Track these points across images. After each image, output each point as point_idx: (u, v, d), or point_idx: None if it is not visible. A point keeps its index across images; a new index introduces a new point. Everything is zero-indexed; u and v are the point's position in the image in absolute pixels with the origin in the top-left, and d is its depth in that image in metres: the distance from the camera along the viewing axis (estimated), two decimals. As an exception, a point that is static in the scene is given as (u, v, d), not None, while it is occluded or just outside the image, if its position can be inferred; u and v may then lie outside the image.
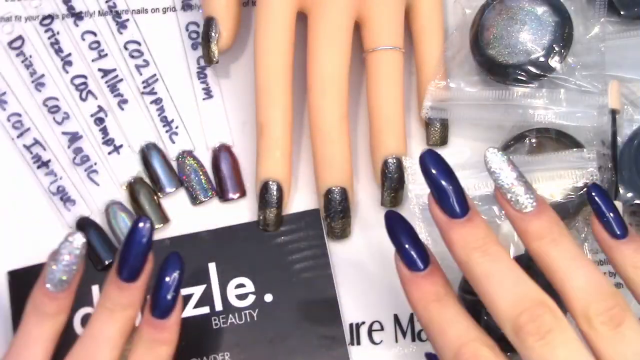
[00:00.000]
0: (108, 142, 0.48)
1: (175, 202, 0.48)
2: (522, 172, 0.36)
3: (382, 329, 0.45)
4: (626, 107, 0.45)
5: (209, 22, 0.47)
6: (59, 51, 0.49)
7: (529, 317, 0.33)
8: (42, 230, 0.46)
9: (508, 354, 0.42)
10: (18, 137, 0.48)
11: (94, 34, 0.50)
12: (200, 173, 0.48)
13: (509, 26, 0.45)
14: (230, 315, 0.45)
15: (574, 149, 0.44)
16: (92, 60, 0.49)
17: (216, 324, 0.45)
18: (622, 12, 0.47)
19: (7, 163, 0.48)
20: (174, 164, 0.48)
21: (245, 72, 0.50)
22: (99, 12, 0.50)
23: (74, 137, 0.48)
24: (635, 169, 0.43)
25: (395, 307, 0.46)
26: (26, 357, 0.36)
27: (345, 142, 0.45)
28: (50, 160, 0.48)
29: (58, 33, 0.50)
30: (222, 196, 0.47)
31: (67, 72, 0.49)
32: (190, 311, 0.45)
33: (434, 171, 0.35)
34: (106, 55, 0.49)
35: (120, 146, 0.48)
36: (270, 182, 0.45)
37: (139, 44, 0.50)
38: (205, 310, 0.45)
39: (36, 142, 0.48)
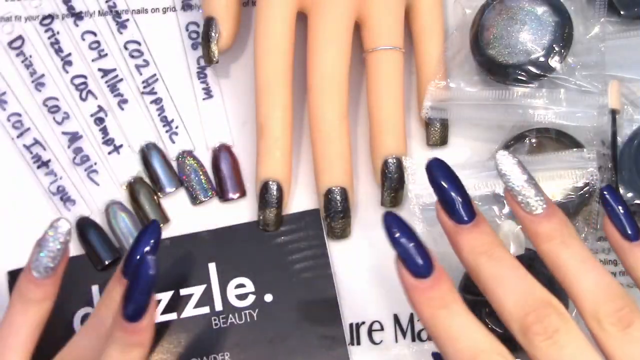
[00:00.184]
0: (108, 142, 0.48)
1: (175, 202, 0.48)
2: (532, 175, 0.36)
3: (382, 329, 0.45)
4: (626, 107, 0.45)
5: (209, 22, 0.47)
6: (59, 51, 0.49)
7: (535, 318, 0.33)
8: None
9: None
10: (18, 137, 0.48)
11: (94, 34, 0.50)
12: (200, 173, 0.48)
13: (509, 26, 0.45)
14: (230, 315, 0.45)
15: (574, 149, 0.44)
16: (92, 60, 0.49)
17: (216, 324, 0.45)
18: (622, 12, 0.47)
19: (7, 163, 0.48)
20: (174, 164, 0.48)
21: (245, 72, 0.50)
22: (99, 12, 0.50)
23: (74, 137, 0.48)
24: (635, 169, 0.43)
25: (395, 307, 0.46)
26: (10, 343, 0.36)
27: (345, 142, 0.45)
28: (50, 160, 0.48)
29: (58, 33, 0.50)
30: (222, 196, 0.47)
31: (67, 72, 0.49)
32: (190, 311, 0.45)
33: (441, 179, 0.36)
34: (106, 55, 0.49)
35: (120, 146, 0.48)
36: (270, 182, 0.45)
37: (139, 44, 0.50)
38: (205, 310, 0.45)
39: (36, 142, 0.48)
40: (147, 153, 0.48)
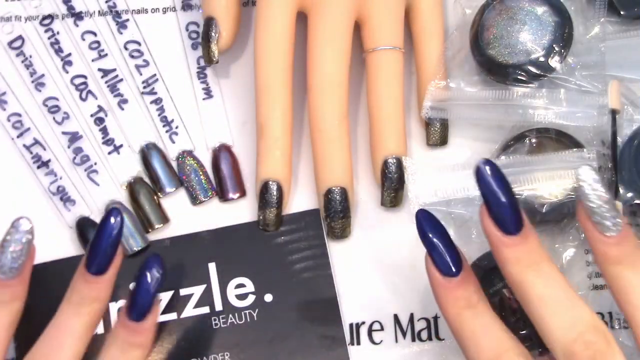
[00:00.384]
0: (108, 142, 0.48)
1: (175, 202, 0.48)
2: (611, 196, 0.34)
3: (382, 329, 0.45)
4: (626, 107, 0.45)
5: (209, 22, 0.47)
6: (59, 51, 0.49)
7: (583, 345, 0.33)
8: (42, 230, 0.46)
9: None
10: (18, 137, 0.48)
11: (94, 34, 0.50)
12: (200, 173, 0.48)
13: (509, 26, 0.45)
14: (230, 315, 0.45)
15: (574, 149, 0.44)
16: (92, 60, 0.49)
17: (216, 324, 0.45)
18: (622, 12, 0.47)
19: (7, 163, 0.48)
20: (174, 164, 0.48)
21: (245, 72, 0.50)
22: (99, 12, 0.50)
23: (74, 137, 0.48)
24: (635, 169, 0.43)
25: (395, 307, 0.46)
26: None
27: (345, 142, 0.45)
28: (50, 160, 0.48)
29: (58, 33, 0.50)
30: (222, 196, 0.47)
31: (67, 72, 0.49)
32: (190, 311, 0.45)
33: (492, 183, 0.34)
34: (106, 55, 0.49)
35: (120, 146, 0.48)
36: (270, 182, 0.45)
37: (139, 44, 0.50)
38: (205, 310, 0.45)
39: (36, 142, 0.48)
40: (147, 153, 0.48)
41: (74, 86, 0.49)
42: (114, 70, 0.49)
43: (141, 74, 0.49)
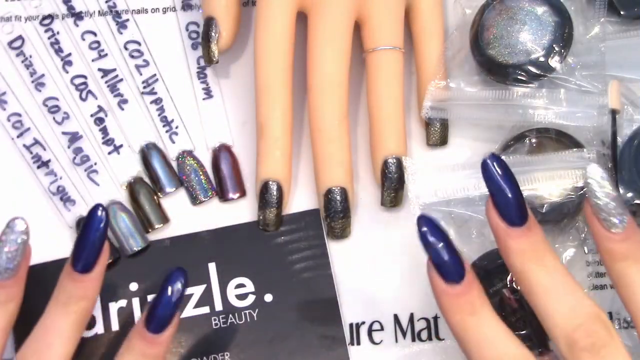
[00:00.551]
0: (108, 142, 0.48)
1: (175, 202, 0.48)
2: (618, 191, 0.35)
3: (382, 329, 0.45)
4: (626, 107, 0.45)
5: (209, 22, 0.47)
6: (59, 51, 0.49)
7: (584, 333, 0.33)
8: (42, 230, 0.46)
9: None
10: (18, 137, 0.48)
11: (94, 34, 0.50)
12: (200, 173, 0.48)
13: (509, 26, 0.45)
14: (230, 315, 0.45)
15: (574, 149, 0.44)
16: (92, 60, 0.49)
17: (216, 324, 0.45)
18: (622, 12, 0.47)
19: (7, 163, 0.48)
20: (174, 164, 0.48)
21: (245, 72, 0.50)
22: (99, 12, 0.50)
23: (74, 137, 0.48)
24: (635, 169, 0.43)
25: (395, 307, 0.46)
26: None
27: (345, 142, 0.45)
28: (50, 160, 0.48)
29: (58, 33, 0.50)
30: (222, 196, 0.47)
31: (67, 72, 0.49)
32: (190, 311, 0.45)
33: (498, 177, 0.34)
34: (106, 55, 0.49)
35: (120, 146, 0.48)
36: (270, 182, 0.45)
37: (139, 44, 0.50)
38: (205, 310, 0.45)
39: (36, 142, 0.48)
40: (147, 153, 0.48)
41: (74, 86, 0.49)
42: (114, 70, 0.49)
43: (141, 74, 0.49)
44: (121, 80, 0.49)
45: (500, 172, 0.34)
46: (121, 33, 0.50)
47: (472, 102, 0.46)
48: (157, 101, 0.49)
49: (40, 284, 0.41)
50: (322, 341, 0.45)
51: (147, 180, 0.48)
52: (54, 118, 0.48)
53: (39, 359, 0.36)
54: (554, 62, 0.44)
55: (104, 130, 0.48)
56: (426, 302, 0.45)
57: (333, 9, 0.45)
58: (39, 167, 0.47)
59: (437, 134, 0.48)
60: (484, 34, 0.46)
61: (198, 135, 0.49)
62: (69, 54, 0.49)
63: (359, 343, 0.45)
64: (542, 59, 0.45)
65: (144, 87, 0.49)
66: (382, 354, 0.45)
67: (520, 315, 0.41)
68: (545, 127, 0.45)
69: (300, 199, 0.47)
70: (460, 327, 0.34)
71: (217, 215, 0.47)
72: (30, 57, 0.49)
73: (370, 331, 0.45)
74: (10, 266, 0.35)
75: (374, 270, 0.46)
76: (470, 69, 0.48)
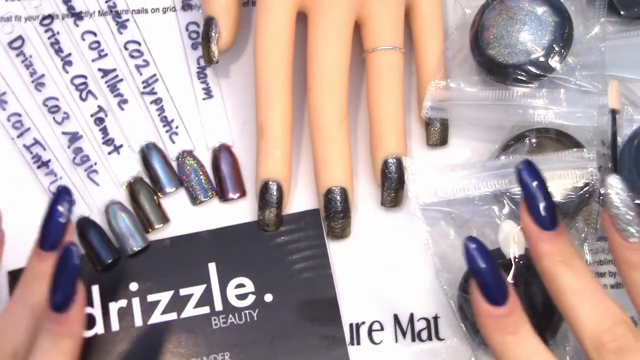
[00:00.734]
0: (108, 142, 0.48)
1: (175, 202, 0.48)
2: (636, 203, 0.36)
3: (382, 329, 0.45)
4: (626, 107, 0.45)
5: (209, 22, 0.47)
6: (59, 51, 0.49)
7: (612, 336, 0.34)
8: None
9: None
10: (18, 137, 0.48)
11: (94, 34, 0.50)
12: (200, 173, 0.48)
13: (509, 26, 0.45)
14: (230, 315, 0.45)
15: (574, 149, 0.44)
16: (92, 60, 0.49)
17: (216, 324, 0.45)
18: (622, 12, 0.47)
19: (7, 163, 0.48)
20: (174, 164, 0.48)
21: (245, 72, 0.50)
22: (99, 12, 0.50)
23: (74, 137, 0.48)
24: (635, 169, 0.43)
25: (395, 307, 0.46)
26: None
27: (345, 142, 0.45)
28: (50, 160, 0.48)
29: (58, 33, 0.50)
30: (222, 196, 0.47)
31: (67, 72, 0.49)
32: (190, 311, 0.45)
33: (532, 182, 0.36)
34: (106, 55, 0.49)
35: (120, 146, 0.48)
36: (270, 182, 0.45)
37: (139, 44, 0.50)
38: (205, 310, 0.45)
39: (36, 142, 0.48)
40: (147, 153, 0.48)
41: (74, 86, 0.49)
42: (114, 70, 0.49)
43: (141, 74, 0.49)
44: (121, 80, 0.49)
45: (534, 179, 0.36)
46: (121, 33, 0.50)
47: (472, 102, 0.46)
48: (157, 101, 0.49)
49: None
50: (322, 341, 0.45)
51: (147, 180, 0.48)
52: (54, 118, 0.48)
53: (9, 334, 0.37)
54: (554, 62, 0.44)
55: (104, 130, 0.48)
56: (426, 302, 0.45)
57: (333, 9, 0.45)
58: (39, 167, 0.47)
59: (437, 134, 0.48)
60: (484, 34, 0.46)
61: (198, 135, 0.49)
62: (69, 54, 0.49)
63: (359, 343, 0.45)
64: (542, 59, 0.45)
65: (144, 87, 0.49)
66: (382, 354, 0.45)
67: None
68: (545, 127, 0.45)
69: (300, 199, 0.47)
70: (500, 347, 0.35)
71: (217, 215, 0.47)
72: (30, 57, 0.49)
73: (370, 331, 0.45)
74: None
75: (374, 270, 0.46)
76: (470, 69, 0.48)
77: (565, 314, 0.36)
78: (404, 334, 0.45)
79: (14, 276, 0.45)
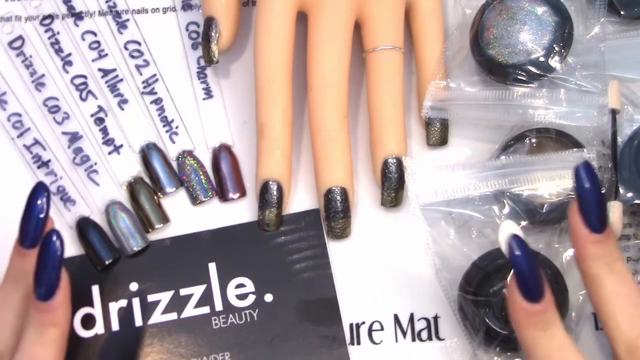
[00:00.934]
0: (108, 142, 0.48)
1: (175, 202, 0.48)
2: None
3: (382, 329, 0.45)
4: (626, 107, 0.45)
5: (209, 22, 0.47)
6: (59, 51, 0.49)
7: None
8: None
9: (508, 353, 0.42)
10: (18, 137, 0.48)
11: (94, 34, 0.50)
12: (200, 173, 0.48)
13: (509, 26, 0.45)
14: (230, 315, 0.45)
15: (574, 149, 0.44)
16: (92, 60, 0.49)
17: (216, 324, 0.45)
18: (622, 12, 0.47)
19: (7, 163, 0.48)
20: (174, 164, 0.48)
21: (245, 72, 0.50)
22: (99, 12, 0.50)
23: (74, 137, 0.48)
24: (635, 169, 0.43)
25: (395, 307, 0.46)
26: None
27: (345, 142, 0.45)
28: (50, 160, 0.48)
29: (58, 33, 0.50)
30: (222, 196, 0.47)
31: (67, 72, 0.49)
32: (190, 311, 0.45)
33: (588, 183, 0.36)
34: (106, 55, 0.49)
35: (120, 146, 0.48)
36: (271, 182, 0.45)
37: (139, 44, 0.50)
38: (205, 310, 0.45)
39: (36, 142, 0.48)
40: (147, 153, 0.48)
41: (74, 86, 0.49)
42: (114, 70, 0.49)
43: (141, 74, 0.49)
44: (121, 80, 0.49)
45: (590, 181, 0.36)
46: (121, 33, 0.50)
47: (472, 102, 0.46)
48: (157, 101, 0.49)
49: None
50: (322, 341, 0.45)
51: (147, 180, 0.48)
52: (54, 118, 0.48)
53: None
54: (554, 62, 0.44)
55: (104, 130, 0.48)
56: (426, 302, 0.45)
57: (333, 9, 0.45)
58: (39, 167, 0.47)
59: (437, 134, 0.48)
60: (484, 34, 0.46)
61: (198, 135, 0.49)
62: (69, 54, 0.49)
63: (359, 343, 0.45)
64: (542, 59, 0.45)
65: (144, 87, 0.49)
66: (382, 354, 0.45)
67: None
68: (545, 127, 0.45)
69: (300, 199, 0.47)
70: (531, 342, 0.36)
71: (217, 215, 0.47)
72: (31, 57, 0.49)
73: (370, 331, 0.45)
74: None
75: (374, 270, 0.46)
76: (470, 69, 0.48)
77: (601, 316, 0.36)
78: (404, 334, 0.45)
79: (14, 276, 0.45)
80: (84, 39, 0.50)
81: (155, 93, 0.49)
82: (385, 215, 0.47)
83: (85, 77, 0.49)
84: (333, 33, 0.45)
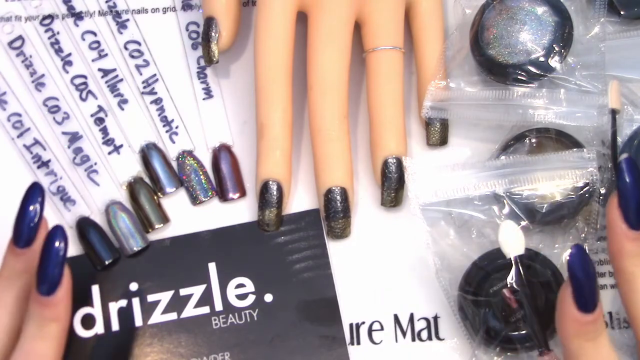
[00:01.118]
0: (108, 142, 0.48)
1: (175, 202, 0.48)
2: None
3: (382, 329, 0.45)
4: (626, 107, 0.45)
5: (209, 22, 0.47)
6: (59, 51, 0.49)
7: None
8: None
9: (508, 353, 0.42)
10: (18, 137, 0.48)
11: (94, 34, 0.50)
12: (200, 173, 0.48)
13: (509, 26, 0.45)
14: (230, 315, 0.45)
15: (574, 149, 0.44)
16: (92, 60, 0.49)
17: (216, 324, 0.45)
18: (622, 12, 0.47)
19: (7, 163, 0.48)
20: (174, 164, 0.48)
21: (245, 72, 0.50)
22: (99, 12, 0.50)
23: (74, 137, 0.48)
24: (636, 168, 0.43)
25: (395, 307, 0.46)
26: None
27: (345, 142, 0.45)
28: (50, 160, 0.48)
29: (58, 33, 0.50)
30: (222, 196, 0.47)
31: (67, 72, 0.49)
32: (190, 311, 0.45)
33: (631, 179, 0.36)
34: (106, 55, 0.49)
35: (120, 146, 0.48)
36: (271, 182, 0.45)
37: (139, 44, 0.50)
38: (205, 310, 0.45)
39: (36, 142, 0.48)
40: (147, 153, 0.48)
41: (74, 86, 0.49)
42: (114, 70, 0.49)
43: (141, 74, 0.49)
44: (121, 80, 0.49)
45: (633, 176, 0.36)
46: (121, 33, 0.50)
47: (472, 102, 0.46)
48: (157, 101, 0.49)
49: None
50: (322, 341, 0.45)
51: (147, 180, 0.48)
52: (54, 118, 0.48)
53: None
54: (554, 62, 0.44)
55: (104, 130, 0.48)
56: (426, 302, 0.45)
57: (333, 9, 0.45)
58: (39, 167, 0.47)
59: (437, 134, 0.48)
60: (484, 34, 0.46)
61: (198, 135, 0.49)
62: (69, 54, 0.49)
63: (359, 343, 0.45)
64: (542, 59, 0.44)
65: (144, 87, 0.49)
66: (382, 354, 0.45)
67: (521, 316, 0.41)
68: (545, 127, 0.45)
69: (300, 199, 0.47)
70: (578, 352, 0.36)
71: (217, 215, 0.47)
72: (31, 57, 0.49)
73: (370, 331, 0.45)
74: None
75: (374, 270, 0.46)
76: (470, 69, 0.48)
77: (631, 313, 0.36)
78: (404, 334, 0.45)
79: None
80: (84, 39, 0.50)
81: (155, 93, 0.49)
82: (385, 215, 0.47)
83: (85, 77, 0.49)
84: (333, 33, 0.45)
